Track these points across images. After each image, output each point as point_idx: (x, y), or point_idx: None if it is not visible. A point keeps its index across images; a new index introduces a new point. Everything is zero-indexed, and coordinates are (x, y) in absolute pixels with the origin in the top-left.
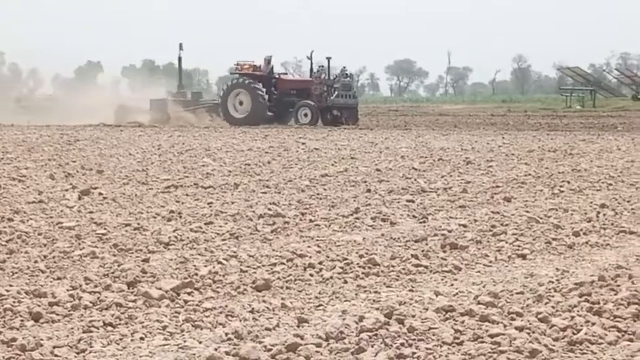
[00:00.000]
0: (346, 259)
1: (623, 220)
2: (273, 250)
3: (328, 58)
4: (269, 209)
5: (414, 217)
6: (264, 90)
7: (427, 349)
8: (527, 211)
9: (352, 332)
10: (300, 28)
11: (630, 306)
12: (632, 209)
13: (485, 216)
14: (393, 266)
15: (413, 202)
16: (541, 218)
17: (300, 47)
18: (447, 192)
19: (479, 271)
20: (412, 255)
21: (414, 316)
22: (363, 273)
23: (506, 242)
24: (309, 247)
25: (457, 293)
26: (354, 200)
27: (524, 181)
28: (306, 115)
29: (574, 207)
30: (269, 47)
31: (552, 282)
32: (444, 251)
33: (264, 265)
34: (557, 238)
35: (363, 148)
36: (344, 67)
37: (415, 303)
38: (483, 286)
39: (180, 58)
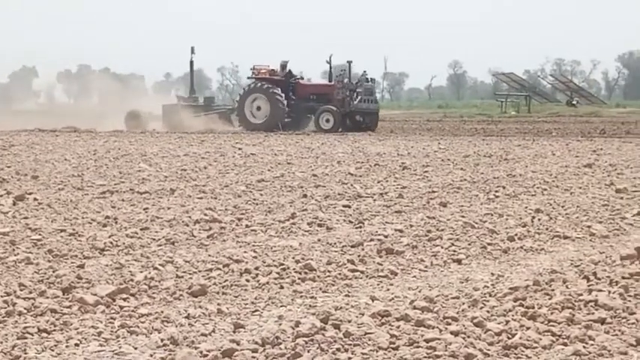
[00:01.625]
0: (282, 264)
1: (558, 225)
2: (210, 255)
3: (349, 62)
4: (205, 215)
5: (350, 222)
6: (282, 95)
7: (363, 354)
8: (462, 216)
9: (288, 337)
10: (229, 35)
11: (564, 310)
12: (567, 214)
13: (421, 221)
14: (329, 271)
15: (349, 207)
16: (476, 223)
17: (234, 53)
18: (383, 197)
19: (415, 276)
20: (348, 260)
21: (350, 321)
22: (299, 278)
23: (442, 247)
24: (245, 252)
25: (393, 298)
26: (291, 205)
27: (459, 186)
28: (328, 120)
29: (509, 212)
30: (202, 53)
31: (487, 287)
32: (380, 256)
33: (200, 271)
34: (493, 243)
35: (300, 153)
36: (365, 72)
37: (351, 308)
38: (419, 291)
39: (192, 62)
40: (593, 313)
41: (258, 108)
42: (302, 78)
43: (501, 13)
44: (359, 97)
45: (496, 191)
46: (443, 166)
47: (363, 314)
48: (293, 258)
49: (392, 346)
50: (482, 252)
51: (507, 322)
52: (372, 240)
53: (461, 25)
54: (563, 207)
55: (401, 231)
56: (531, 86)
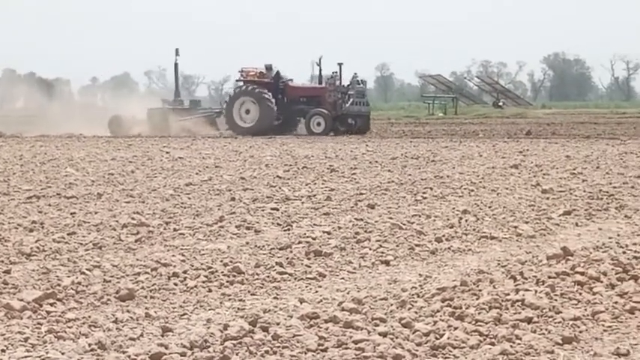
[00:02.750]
0: (211, 267)
1: (485, 226)
2: (137, 259)
3: (340, 64)
4: (133, 219)
5: (278, 224)
6: (272, 98)
7: (292, 356)
8: (390, 218)
9: (217, 341)
10: (165, 34)
11: (491, 310)
12: (494, 215)
13: (349, 223)
14: (257, 274)
15: (277, 209)
16: (404, 224)
17: (165, 54)
18: (311, 199)
19: (343, 278)
20: (277, 263)
21: (278, 324)
22: (227, 281)
23: (370, 249)
24: (173, 256)
25: (321, 300)
26: (219, 209)
27: (387, 188)
28: (319, 124)
29: (436, 213)
30: (135, 54)
31: (415, 287)
32: (309, 258)
33: (127, 275)
34: (420, 244)
35: (228, 156)
36: (355, 74)
37: (280, 310)
38: (347, 293)
39: (176, 65)
40: (520, 313)
41: (247, 111)
42: (291, 80)
43: (428, 14)
44: (351, 100)
45: (423, 193)
46: (371, 168)
47: (291, 316)
48: (221, 261)
49: (320, 347)
50: (410, 253)
51: (435, 322)
52: (300, 242)
53: (388, 27)
54: (490, 208)
55: (329, 233)
56: (458, 88)
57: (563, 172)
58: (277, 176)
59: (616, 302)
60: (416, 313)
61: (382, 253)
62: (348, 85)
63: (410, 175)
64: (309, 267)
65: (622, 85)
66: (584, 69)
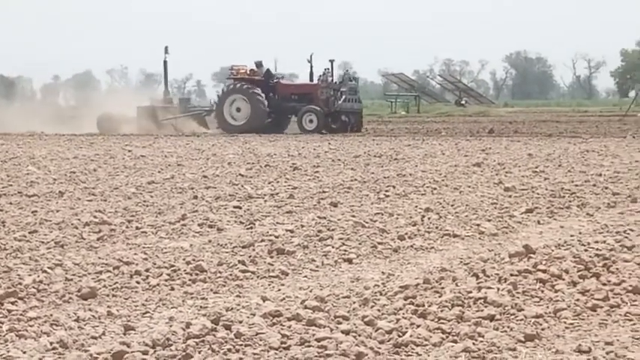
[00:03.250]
0: (173, 265)
1: (447, 224)
2: (99, 257)
3: (331, 61)
4: (95, 217)
5: (241, 223)
6: (263, 95)
7: (254, 354)
8: (353, 216)
9: (179, 339)
10: (123, 33)
11: (454, 308)
12: (456, 213)
13: (312, 221)
14: (220, 272)
15: (240, 208)
16: (367, 222)
17: (126, 53)
18: (274, 198)
19: (306, 276)
20: (239, 261)
21: (241, 322)
22: (190, 280)
23: (333, 247)
24: (135, 254)
25: (284, 298)
26: (181, 207)
27: (350, 186)
28: (311, 121)
29: (399, 211)
30: (95, 53)
31: (378, 285)
32: (271, 256)
33: (89, 273)
34: (383, 242)
35: (190, 155)
36: (347, 70)
37: (242, 309)
38: (310, 291)
39: (165, 62)
40: (482, 310)
41: (238, 109)
42: (282, 77)
43: (390, 13)
44: (343, 97)
45: (386, 191)
46: (333, 167)
47: (254, 314)
48: (184, 259)
49: (283, 345)
50: (373, 251)
51: (398, 320)
52: (262, 240)
53: (351, 26)
54: (452, 206)
55: (292, 231)
56: (420, 86)
57: (525, 171)
58: (240, 174)
59: (578, 300)
60: (378, 310)
61: (345, 251)
62: (341, 82)
63: (373, 173)
64: (272, 265)
65: (584, 84)
66: (546, 67)
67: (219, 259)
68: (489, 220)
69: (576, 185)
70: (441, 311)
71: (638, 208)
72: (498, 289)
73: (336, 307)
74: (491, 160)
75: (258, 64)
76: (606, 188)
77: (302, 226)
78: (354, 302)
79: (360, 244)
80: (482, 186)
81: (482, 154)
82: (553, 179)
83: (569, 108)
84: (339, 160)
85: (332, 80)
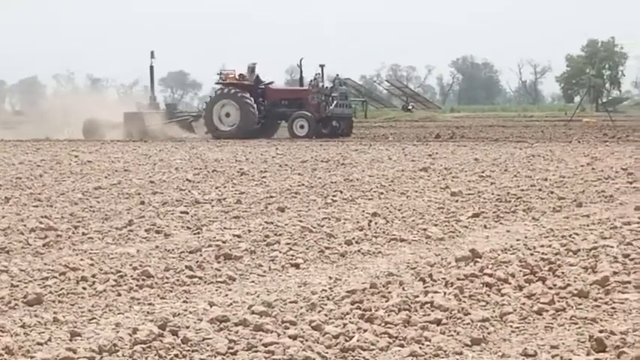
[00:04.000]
0: (120, 271)
1: (394, 228)
2: (45, 264)
3: (322, 66)
4: (41, 223)
5: (188, 228)
6: (252, 101)
7: (201, 359)
8: (300, 221)
9: (126, 345)
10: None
11: (401, 312)
12: (403, 217)
13: (260, 226)
14: (167, 278)
15: (187, 213)
16: (314, 227)
17: (73, 58)
18: (221, 203)
19: (253, 281)
20: (186, 266)
21: (188, 327)
22: (137, 285)
23: (280, 252)
24: (82, 260)
25: (231, 303)
26: (128, 212)
27: (297, 191)
28: (302, 126)
29: (346, 216)
30: (44, 57)
31: (325, 290)
32: (219, 262)
33: (35, 280)
34: (330, 247)
35: (137, 160)
36: (337, 75)
37: (189, 314)
38: (257, 296)
39: (152, 67)
40: (429, 315)
41: (227, 114)
42: (272, 82)
43: (337, 16)
44: (335, 102)
45: (333, 196)
46: (281, 172)
47: (201, 320)
48: (130, 265)
49: (230, 351)
50: (320, 256)
51: (345, 324)
52: (210, 246)
53: (298, 30)
54: (399, 210)
55: (239, 236)
56: (367, 92)
57: (471, 175)
58: (187, 180)
59: (524, 303)
60: (326, 315)
61: (292, 256)
62: (332, 87)
63: (320, 178)
64: (219, 270)
65: (529, 89)
66: (493, 73)
67: (166, 265)
68: (436, 225)
69: (522, 190)
70: (388, 316)
71: (584, 213)
72: (445, 293)
73: (283, 312)
74: (438, 164)
75: (252, 68)
76: (552, 193)
77: (249, 231)
78: (302, 307)
79: (307, 249)
80: (429, 191)
81: (429, 159)
82: (499, 184)
83: (515, 113)
84: (286, 165)
85: (323, 85)
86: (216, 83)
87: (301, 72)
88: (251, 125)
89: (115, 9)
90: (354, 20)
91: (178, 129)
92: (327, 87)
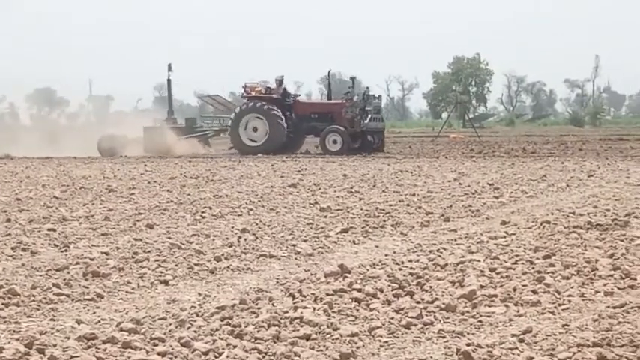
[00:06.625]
0: None
1: (264, 244)
2: None
3: (352, 78)
4: None
5: (55, 245)
6: (281, 115)
7: None
8: (169, 237)
9: None
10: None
11: (270, 328)
12: (272, 233)
13: (128, 243)
14: (34, 296)
15: (54, 230)
16: (183, 244)
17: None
18: (89, 220)
19: (121, 298)
20: (54, 284)
21: (55, 345)
22: (3, 303)
23: (149, 269)
24: None
25: (99, 321)
26: None
27: (166, 208)
28: (335, 142)
29: (215, 232)
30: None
31: (194, 307)
32: (87, 279)
33: None
34: (200, 264)
35: (3, 177)
36: (367, 88)
37: (57, 332)
38: (126, 313)
39: (169, 80)
40: (298, 330)
41: (255, 129)
42: (299, 95)
43: (204, 33)
44: (369, 116)
45: (202, 212)
46: (149, 188)
47: (68, 338)
48: None
49: None
50: (190, 272)
51: (214, 341)
52: (77, 263)
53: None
54: (268, 226)
55: (107, 253)
56: (235, 107)
57: (340, 191)
58: (54, 197)
59: (392, 318)
60: (195, 332)
61: (161, 272)
62: (366, 100)
63: (189, 194)
64: (87, 288)
65: (397, 105)
66: (361, 89)
67: (33, 283)
68: (305, 240)
69: (390, 205)
70: (258, 331)
71: (451, 227)
72: (314, 308)
73: (152, 329)
74: (307, 180)
75: (280, 81)
76: (420, 208)
77: (117, 248)
78: (171, 324)
79: (176, 265)
80: (298, 206)
81: (299, 175)
82: (368, 199)
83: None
84: (155, 182)
85: (358, 98)
86: (242, 96)
87: (329, 84)
88: (280, 139)
89: None
90: (217, 38)
91: (198, 144)
92: (360, 100)
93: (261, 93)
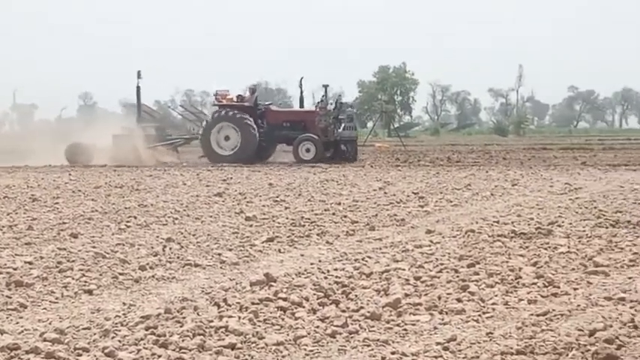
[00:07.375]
0: None
1: (189, 254)
2: None
3: (325, 86)
4: None
5: None
6: (253, 123)
7: None
8: (93, 247)
9: None
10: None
11: (195, 337)
12: (198, 242)
13: (52, 252)
14: None
15: None
16: (108, 253)
17: None
18: (13, 229)
19: (45, 308)
20: None
21: None
22: None
23: (73, 278)
24: None
25: (22, 331)
26: None
27: (90, 217)
28: (308, 150)
29: (140, 241)
30: None
31: (119, 316)
32: (10, 289)
33: None
34: (124, 273)
35: None
36: (339, 96)
37: None
38: (49, 323)
39: (138, 87)
40: (223, 339)
41: (227, 138)
42: (271, 104)
43: (127, 41)
44: (342, 125)
45: (127, 221)
46: (74, 198)
47: None
48: None
49: None
50: (114, 282)
51: (139, 350)
52: (0, 273)
53: (87, 59)
54: (194, 235)
55: (30, 263)
56: (162, 117)
57: (266, 200)
58: None
59: (318, 327)
60: (119, 341)
61: (85, 282)
62: (339, 109)
63: (114, 204)
64: (10, 298)
65: None
66: (286, 98)
67: None
68: (231, 250)
69: (316, 214)
70: (182, 341)
71: (376, 236)
72: (240, 317)
73: (76, 339)
74: (233, 189)
75: (253, 90)
76: (345, 217)
77: (41, 257)
78: (95, 333)
79: (100, 275)
80: (223, 215)
81: (224, 184)
82: (294, 208)
83: None
84: (79, 191)
85: (331, 107)
86: (213, 104)
87: (302, 92)
88: (252, 149)
89: None
90: (143, 45)
91: (167, 153)
92: (334, 108)
93: (233, 101)
